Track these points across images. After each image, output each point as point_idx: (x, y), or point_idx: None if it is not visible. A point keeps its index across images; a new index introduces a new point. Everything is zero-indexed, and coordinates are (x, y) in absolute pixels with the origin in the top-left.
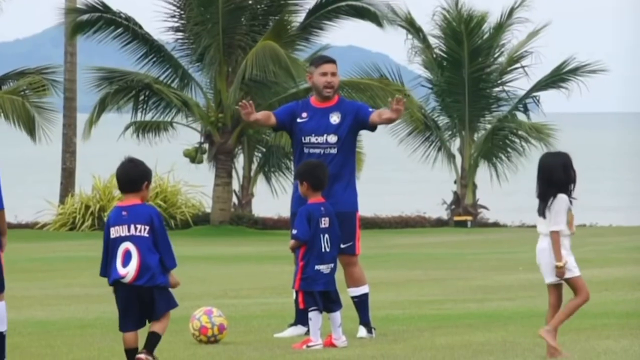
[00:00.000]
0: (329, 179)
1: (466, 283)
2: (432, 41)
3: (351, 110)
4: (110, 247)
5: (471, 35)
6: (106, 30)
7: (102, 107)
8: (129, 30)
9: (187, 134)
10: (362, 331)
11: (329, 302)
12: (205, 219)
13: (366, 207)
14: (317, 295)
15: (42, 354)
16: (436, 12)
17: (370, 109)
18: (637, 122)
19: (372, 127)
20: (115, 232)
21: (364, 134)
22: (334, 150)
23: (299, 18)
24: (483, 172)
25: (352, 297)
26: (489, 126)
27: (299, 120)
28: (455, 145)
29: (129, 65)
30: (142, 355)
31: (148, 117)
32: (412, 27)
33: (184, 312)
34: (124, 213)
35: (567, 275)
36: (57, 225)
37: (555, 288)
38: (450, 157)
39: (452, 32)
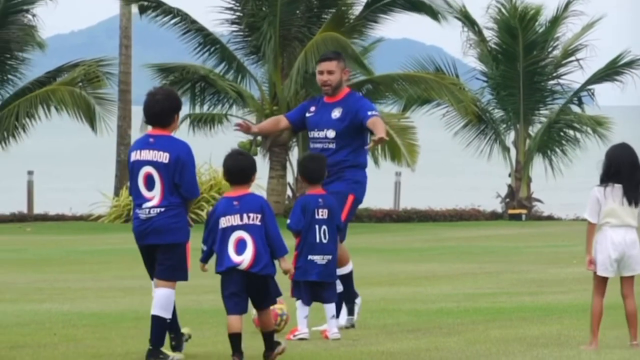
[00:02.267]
0: (325, 171)
1: (520, 276)
2: (487, 34)
3: (354, 107)
4: (220, 236)
5: (526, 29)
6: (165, 17)
7: None
8: (186, 21)
9: None
10: (342, 318)
11: (322, 292)
12: None
13: (420, 200)
14: (302, 286)
15: (97, 345)
16: (491, 5)
17: (369, 112)
18: None
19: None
20: (226, 221)
21: (418, 125)
22: (332, 146)
23: (354, 11)
24: (537, 165)
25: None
26: (543, 119)
27: (307, 114)
28: (509, 138)
29: (183, 58)
30: (271, 355)
31: (203, 109)
32: (467, 20)
33: None
34: (235, 203)
35: None
36: (111, 217)
37: (605, 282)
38: (505, 150)
39: (507, 26)
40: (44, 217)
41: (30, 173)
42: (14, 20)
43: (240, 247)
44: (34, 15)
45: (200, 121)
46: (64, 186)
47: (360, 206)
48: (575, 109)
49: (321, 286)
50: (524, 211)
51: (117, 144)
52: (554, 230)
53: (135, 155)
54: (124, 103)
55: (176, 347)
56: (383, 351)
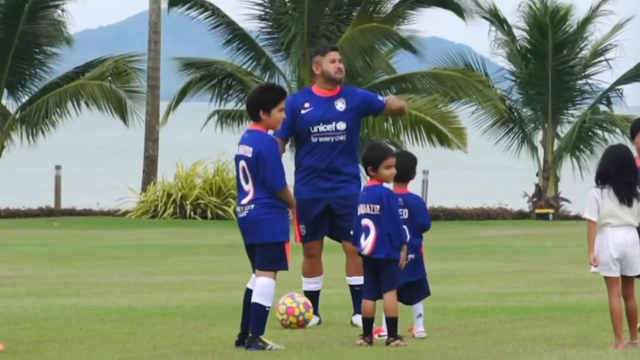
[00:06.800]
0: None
1: (548, 276)
2: (517, 33)
3: (356, 96)
4: (356, 222)
5: (557, 29)
6: (196, 10)
7: (182, 94)
8: (216, 15)
9: None
10: (358, 318)
11: (412, 292)
12: None
13: (448, 198)
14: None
15: (124, 340)
16: (522, 4)
17: (381, 98)
18: None
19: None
20: (359, 209)
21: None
22: (343, 137)
23: (382, 8)
24: (565, 165)
25: (353, 286)
26: (572, 119)
27: (302, 111)
28: (537, 137)
29: (211, 54)
30: (391, 342)
31: (230, 105)
32: (496, 19)
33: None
34: (364, 193)
35: None
36: (138, 213)
37: (617, 282)
38: (533, 149)
39: (537, 25)
40: (71, 212)
41: (58, 168)
42: (44, 15)
43: (366, 233)
44: (63, 11)
45: (229, 117)
46: (91, 181)
47: None
48: (603, 109)
49: (408, 285)
50: (551, 211)
51: (145, 139)
52: (582, 230)
53: (237, 150)
54: (153, 99)
55: (239, 343)
56: (410, 349)
